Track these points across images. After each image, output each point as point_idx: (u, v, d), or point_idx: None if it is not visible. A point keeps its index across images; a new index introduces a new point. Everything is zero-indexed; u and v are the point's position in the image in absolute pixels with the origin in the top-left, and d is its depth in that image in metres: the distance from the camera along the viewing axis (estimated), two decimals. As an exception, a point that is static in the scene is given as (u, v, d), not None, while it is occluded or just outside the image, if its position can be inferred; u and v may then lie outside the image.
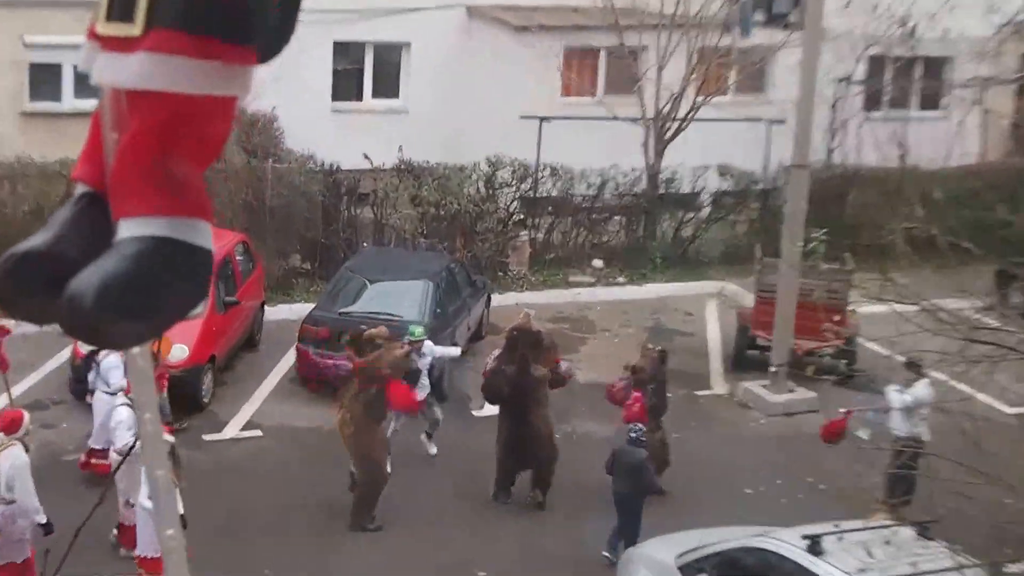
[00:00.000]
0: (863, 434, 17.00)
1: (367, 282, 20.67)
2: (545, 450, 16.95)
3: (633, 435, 15.67)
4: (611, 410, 17.73)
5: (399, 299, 20.03)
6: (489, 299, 22.99)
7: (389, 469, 16.42)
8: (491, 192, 25.87)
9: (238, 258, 21.25)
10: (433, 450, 17.98)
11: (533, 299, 24.16)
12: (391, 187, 24.87)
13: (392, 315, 19.38)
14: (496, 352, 17.10)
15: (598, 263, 26.82)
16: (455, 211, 24.88)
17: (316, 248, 24.81)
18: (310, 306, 21.38)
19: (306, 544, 15.98)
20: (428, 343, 17.61)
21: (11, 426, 13.49)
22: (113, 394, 15.54)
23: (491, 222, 25.48)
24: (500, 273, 25.41)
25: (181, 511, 10.65)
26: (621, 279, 26.47)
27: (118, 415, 14.50)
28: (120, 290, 2.46)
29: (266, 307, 22.61)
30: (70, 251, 2.60)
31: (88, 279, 2.47)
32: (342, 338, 17.98)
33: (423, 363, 17.43)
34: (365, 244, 24.53)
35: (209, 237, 2.58)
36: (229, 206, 23.10)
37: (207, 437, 18.72)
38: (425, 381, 17.38)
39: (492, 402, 17.29)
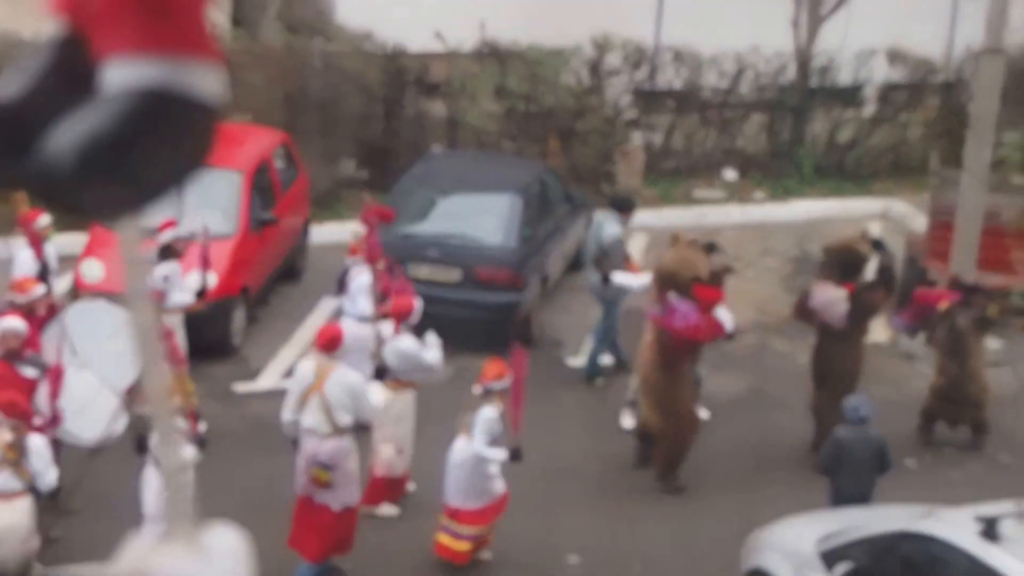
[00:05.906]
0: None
1: (437, 195, 19.71)
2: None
3: (859, 413, 14.41)
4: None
5: (476, 218, 19.04)
6: (590, 219, 21.03)
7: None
8: (596, 82, 24.51)
9: (277, 165, 20.08)
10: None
11: (647, 220, 22.31)
12: (469, 75, 23.79)
13: (467, 237, 18.74)
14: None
15: (731, 174, 25.32)
16: (549, 107, 23.66)
17: (374, 152, 23.53)
18: (365, 226, 21.92)
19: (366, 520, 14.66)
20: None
21: (331, 344, 13.65)
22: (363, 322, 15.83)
23: (595, 121, 23.95)
24: (605, 186, 23.78)
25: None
26: (760, 195, 24.93)
27: (400, 343, 14.69)
28: (106, 148, 2.47)
29: (311, 227, 21.25)
30: (43, 106, 2.56)
31: (69, 134, 2.48)
32: (403, 267, 17.12)
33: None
34: (435, 148, 23.47)
35: (214, 84, 2.60)
36: (265, 98, 21.96)
37: (238, 388, 17.72)
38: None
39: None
